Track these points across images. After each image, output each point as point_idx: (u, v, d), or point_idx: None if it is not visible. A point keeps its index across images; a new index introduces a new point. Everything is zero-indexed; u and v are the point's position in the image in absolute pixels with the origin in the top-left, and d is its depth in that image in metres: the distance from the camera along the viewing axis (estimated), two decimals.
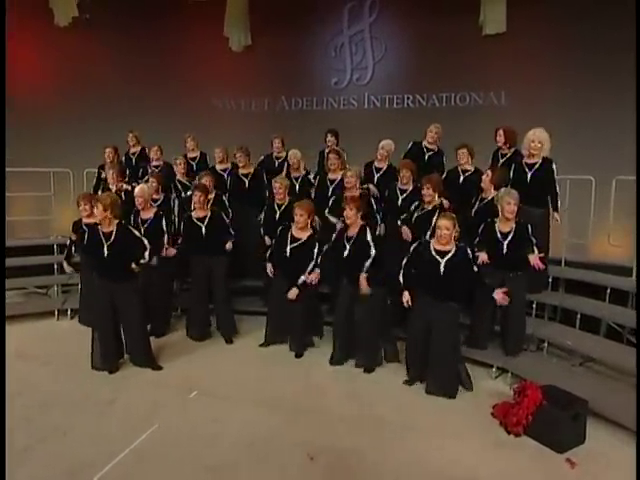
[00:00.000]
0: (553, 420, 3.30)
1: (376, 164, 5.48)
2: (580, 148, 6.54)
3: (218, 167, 5.97)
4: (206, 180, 5.22)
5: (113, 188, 5.49)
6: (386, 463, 3.19)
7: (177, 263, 5.43)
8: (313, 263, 4.58)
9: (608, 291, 4.73)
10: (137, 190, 4.90)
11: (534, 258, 4.11)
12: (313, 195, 5.45)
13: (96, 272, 4.30)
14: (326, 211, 5.09)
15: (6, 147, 6.24)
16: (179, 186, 5.80)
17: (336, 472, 3.12)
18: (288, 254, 4.60)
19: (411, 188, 4.94)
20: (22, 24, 7.91)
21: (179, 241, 5.03)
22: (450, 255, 3.85)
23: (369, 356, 4.44)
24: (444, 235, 3.82)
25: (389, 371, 4.42)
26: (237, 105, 8.56)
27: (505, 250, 4.22)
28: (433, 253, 3.89)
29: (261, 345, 4.98)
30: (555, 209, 4.78)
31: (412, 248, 4.10)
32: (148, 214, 4.93)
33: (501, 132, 5.12)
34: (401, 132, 6.09)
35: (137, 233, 4.35)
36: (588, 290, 4.92)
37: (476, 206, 4.78)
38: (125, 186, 5.57)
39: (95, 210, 4.17)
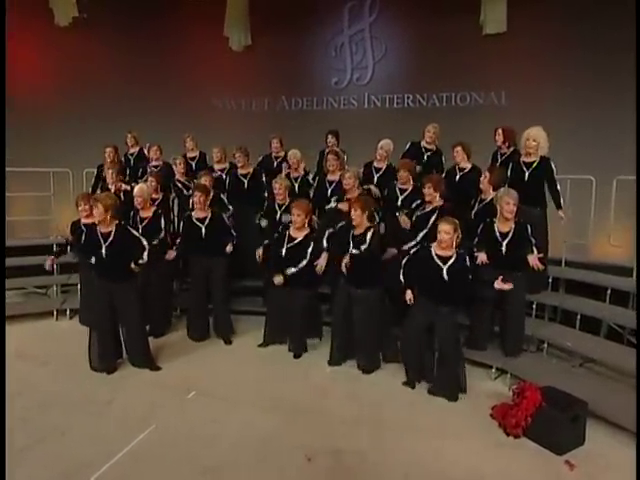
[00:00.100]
0: (552, 422, 3.28)
1: (375, 164, 5.46)
2: (580, 148, 6.53)
3: (216, 167, 5.96)
4: (205, 180, 5.22)
5: (112, 188, 5.49)
6: (386, 464, 3.18)
7: (177, 263, 5.46)
8: (305, 261, 4.56)
9: (608, 292, 4.71)
10: (137, 190, 4.89)
11: (533, 258, 4.09)
12: (312, 195, 5.43)
13: (95, 272, 4.30)
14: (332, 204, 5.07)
15: (6, 147, 6.24)
16: (179, 185, 5.79)
17: (336, 473, 3.11)
18: (284, 254, 4.59)
19: (411, 188, 4.92)
20: (22, 24, 7.91)
21: (178, 241, 5.02)
22: (452, 261, 3.83)
23: (368, 357, 4.42)
24: (444, 239, 3.80)
25: (388, 372, 4.40)
26: (237, 105, 8.56)
27: (504, 250, 4.20)
28: (435, 259, 3.86)
29: (260, 345, 4.97)
30: (559, 207, 4.74)
31: (413, 251, 4.07)
32: (147, 213, 4.94)
33: (500, 131, 5.11)
34: (401, 132, 6.07)
35: (136, 233, 4.35)
36: (588, 291, 4.90)
37: (476, 207, 4.76)
38: (124, 186, 5.56)
39: (95, 210, 4.16)
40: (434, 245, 3.91)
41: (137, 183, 5.37)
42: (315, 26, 8.07)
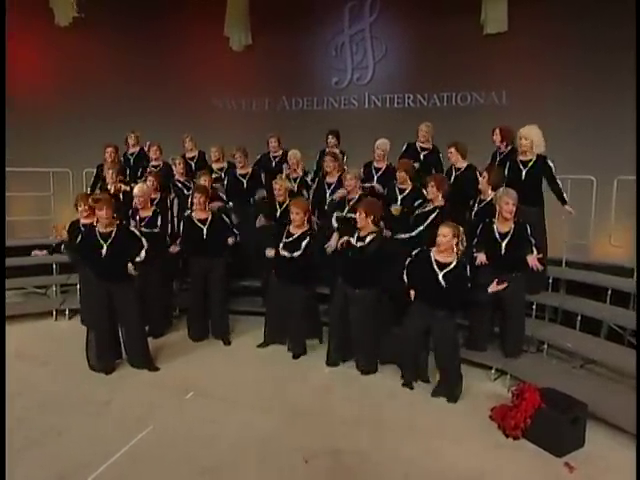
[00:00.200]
0: (552, 423, 3.27)
1: (375, 164, 5.46)
2: (581, 147, 6.51)
3: (215, 166, 5.96)
4: (204, 179, 5.21)
5: (112, 188, 5.48)
6: (386, 464, 3.17)
7: (176, 263, 5.46)
8: (298, 252, 4.53)
9: (609, 292, 4.70)
10: (137, 189, 4.88)
11: (532, 259, 4.07)
12: (311, 197, 5.41)
13: (94, 272, 4.28)
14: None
15: (6, 147, 6.24)
16: (178, 185, 5.78)
17: (336, 474, 3.11)
18: (281, 248, 4.60)
19: (410, 187, 4.91)
20: (22, 24, 7.91)
21: (178, 241, 5.01)
22: (450, 268, 3.79)
23: (366, 358, 4.41)
24: (442, 243, 3.77)
25: (387, 372, 4.38)
26: (237, 105, 8.55)
27: (504, 251, 4.18)
28: (433, 264, 3.84)
29: (259, 345, 4.96)
30: (564, 202, 4.70)
31: (414, 252, 4.06)
32: (147, 213, 4.94)
33: (497, 131, 5.10)
34: (402, 132, 6.05)
35: (137, 232, 4.37)
36: (589, 291, 4.88)
37: (475, 207, 4.75)
38: (124, 187, 5.55)
39: (102, 212, 4.14)
40: (434, 249, 3.88)
41: (136, 183, 5.36)
42: (315, 26, 8.05)
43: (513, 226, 4.19)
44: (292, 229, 4.63)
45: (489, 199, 4.54)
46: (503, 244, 4.18)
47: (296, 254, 4.53)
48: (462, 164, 5.06)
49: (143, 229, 4.72)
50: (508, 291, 4.24)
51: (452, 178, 5.06)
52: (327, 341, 4.66)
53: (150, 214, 4.93)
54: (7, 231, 6.56)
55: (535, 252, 4.11)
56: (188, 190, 5.53)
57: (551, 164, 4.67)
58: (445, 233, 3.76)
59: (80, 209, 4.99)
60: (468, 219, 4.69)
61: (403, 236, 4.64)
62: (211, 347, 5.00)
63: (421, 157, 5.45)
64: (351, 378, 4.36)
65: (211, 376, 4.35)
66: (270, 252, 4.68)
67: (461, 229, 3.82)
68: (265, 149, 6.19)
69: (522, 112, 6.87)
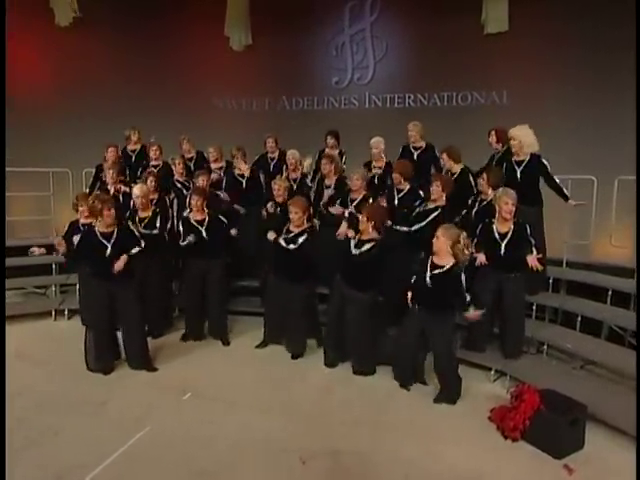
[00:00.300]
0: (551, 425, 3.25)
1: (374, 164, 5.45)
2: (582, 147, 6.49)
3: (213, 166, 5.95)
4: (203, 179, 5.20)
5: (111, 189, 5.47)
6: (385, 465, 3.16)
7: (176, 263, 5.45)
8: (294, 246, 4.51)
9: (610, 293, 4.67)
10: (138, 190, 4.85)
11: (532, 259, 4.04)
12: (312, 198, 5.39)
13: (95, 273, 4.27)
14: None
15: (6, 147, 6.24)
16: (178, 185, 5.77)
17: (335, 475, 3.10)
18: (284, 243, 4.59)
19: (407, 188, 4.89)
20: (22, 24, 7.90)
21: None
22: (441, 270, 3.77)
23: (362, 359, 4.39)
24: (434, 243, 3.77)
25: (386, 373, 4.34)
26: (238, 105, 8.53)
27: (503, 251, 4.16)
28: (427, 265, 3.84)
29: (258, 346, 4.95)
30: (566, 198, 4.67)
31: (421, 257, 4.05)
32: (147, 213, 4.94)
33: (493, 133, 5.09)
34: (402, 132, 5.97)
35: (137, 232, 4.40)
36: (589, 292, 4.86)
37: (476, 207, 4.72)
38: (124, 188, 5.54)
39: (109, 211, 4.15)
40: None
41: (136, 184, 5.35)
42: (316, 26, 8.02)
43: (512, 226, 4.16)
44: (292, 227, 4.63)
45: (489, 199, 4.52)
46: (503, 244, 4.16)
47: (291, 246, 4.51)
48: (457, 169, 5.00)
49: (142, 230, 4.71)
50: (508, 292, 4.24)
51: None
52: (324, 341, 4.65)
53: (150, 214, 4.93)
54: (7, 231, 6.56)
55: (535, 252, 4.08)
56: (187, 190, 5.53)
57: (546, 162, 4.64)
58: (438, 235, 3.76)
59: (81, 209, 4.98)
60: (466, 216, 4.66)
61: (403, 228, 4.63)
62: (210, 347, 4.99)
63: (415, 157, 5.41)
64: (350, 379, 4.34)
65: (210, 376, 4.34)
66: (271, 235, 4.64)
67: (463, 235, 3.75)
68: (264, 149, 6.17)
69: (523, 112, 6.83)
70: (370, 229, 4.15)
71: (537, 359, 4.48)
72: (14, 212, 7.34)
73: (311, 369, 4.52)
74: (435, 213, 4.46)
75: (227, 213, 5.24)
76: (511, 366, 4.24)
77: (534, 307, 4.79)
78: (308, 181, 5.68)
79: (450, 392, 3.93)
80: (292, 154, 5.59)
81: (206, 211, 4.90)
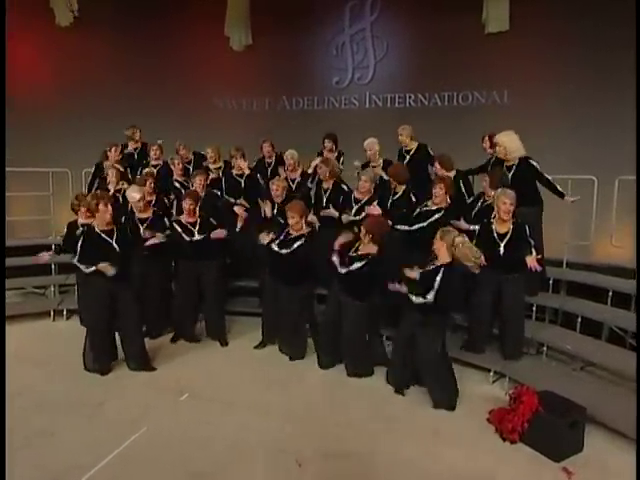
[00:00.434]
0: (550, 427, 3.22)
1: (373, 164, 5.42)
2: (582, 146, 6.46)
3: (212, 166, 5.93)
4: (200, 179, 5.20)
5: (111, 188, 5.45)
6: (382, 468, 3.15)
7: (176, 264, 5.43)
8: (287, 251, 4.47)
9: (610, 294, 4.63)
10: (137, 194, 4.84)
11: (531, 260, 4.01)
12: (313, 200, 5.37)
13: (97, 273, 4.22)
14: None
15: (6, 147, 6.24)
16: (177, 185, 5.75)
17: (332, 477, 3.08)
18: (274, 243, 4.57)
19: (401, 192, 4.88)
20: (22, 24, 7.93)
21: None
22: None
23: (356, 363, 4.36)
24: (434, 245, 3.76)
25: (382, 375, 4.30)
26: (238, 105, 8.52)
27: (502, 251, 4.13)
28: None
29: (257, 347, 4.94)
30: (562, 195, 4.65)
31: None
32: (147, 214, 4.95)
33: (486, 138, 5.09)
34: None
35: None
36: (590, 292, 4.82)
37: (477, 207, 4.71)
38: (126, 186, 5.52)
39: (106, 207, 4.15)
40: None
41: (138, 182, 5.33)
42: (316, 25, 8.01)
43: (512, 227, 4.14)
44: (290, 231, 4.60)
45: (491, 201, 4.49)
46: (502, 245, 4.13)
47: (284, 251, 4.48)
48: (449, 175, 4.96)
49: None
50: (507, 293, 4.21)
51: None
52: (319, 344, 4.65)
53: (150, 214, 4.95)
54: (7, 231, 6.55)
55: (534, 253, 4.06)
56: (186, 190, 5.50)
57: (534, 163, 4.61)
58: (437, 237, 3.76)
59: (83, 210, 4.96)
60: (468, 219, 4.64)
61: (403, 227, 4.62)
62: (208, 348, 4.97)
63: (407, 159, 5.39)
64: (348, 380, 4.32)
65: (207, 377, 4.33)
66: (264, 237, 4.60)
67: (454, 234, 3.72)
68: (260, 154, 6.13)
69: (523, 111, 6.84)
70: (368, 242, 4.12)
71: (537, 360, 4.45)
72: (14, 212, 7.35)
73: (309, 370, 4.50)
74: (438, 215, 4.44)
75: (224, 213, 5.23)
76: (510, 367, 4.21)
77: (534, 308, 4.76)
78: (309, 182, 5.64)
79: (441, 396, 3.85)
80: (291, 154, 5.56)
81: (197, 214, 4.89)
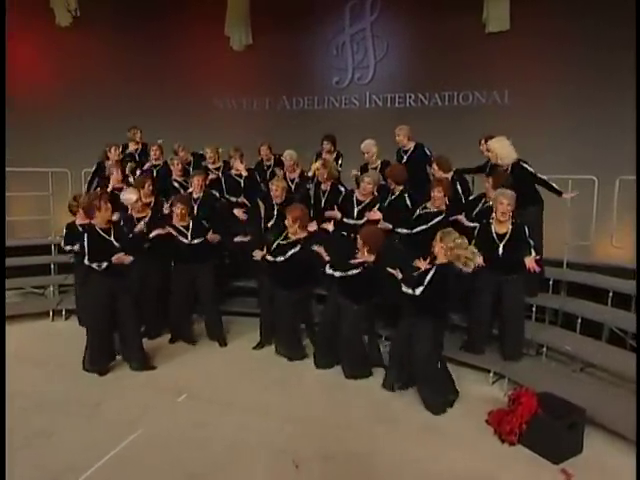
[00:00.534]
0: (548, 429, 3.20)
1: (371, 166, 5.40)
2: (583, 146, 6.44)
3: (211, 166, 5.92)
4: (198, 179, 5.19)
5: (110, 185, 5.45)
6: (380, 469, 3.13)
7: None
8: (282, 258, 4.46)
9: (610, 294, 4.61)
10: (133, 195, 4.84)
11: (530, 261, 4.00)
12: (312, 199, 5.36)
13: (100, 273, 4.20)
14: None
15: (6, 147, 6.24)
16: (175, 185, 5.74)
17: (330, 478, 3.06)
18: (273, 248, 4.55)
19: (398, 192, 4.87)
20: (22, 24, 7.93)
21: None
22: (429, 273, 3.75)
23: (353, 365, 4.34)
24: (433, 246, 3.76)
25: (381, 377, 4.27)
26: (238, 104, 8.51)
27: (501, 252, 4.11)
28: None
29: (256, 347, 4.93)
30: (559, 193, 4.65)
31: None
32: (144, 214, 4.96)
33: (483, 141, 5.07)
34: None
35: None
36: (590, 293, 4.80)
37: (478, 208, 4.68)
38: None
39: (107, 204, 4.18)
40: None
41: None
42: (316, 25, 8.00)
43: (511, 227, 4.12)
44: (288, 234, 4.58)
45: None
46: (501, 245, 4.12)
47: (279, 259, 4.48)
48: (447, 176, 4.95)
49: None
50: (507, 293, 4.20)
51: None
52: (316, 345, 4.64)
53: (149, 212, 4.96)
54: (7, 231, 6.55)
55: (534, 254, 4.04)
56: (185, 190, 5.50)
57: (527, 166, 4.60)
58: (437, 238, 3.74)
59: (81, 211, 4.95)
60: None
61: (403, 231, 4.61)
62: (207, 348, 4.97)
63: (404, 159, 5.37)
64: (346, 381, 4.30)
65: (206, 378, 4.32)
66: (257, 254, 4.61)
67: (454, 236, 3.70)
68: (258, 156, 6.12)
69: (524, 111, 6.82)
70: (365, 252, 4.10)
71: (536, 361, 4.43)
72: (14, 212, 7.36)
73: (308, 371, 4.49)
74: (439, 217, 4.43)
75: (223, 214, 5.22)
76: (510, 368, 4.19)
77: (534, 308, 4.75)
78: (308, 183, 5.63)
79: (430, 398, 3.82)
80: (289, 154, 5.54)
81: (189, 217, 4.89)
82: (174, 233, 4.81)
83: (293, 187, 5.49)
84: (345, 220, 4.88)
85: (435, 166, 4.90)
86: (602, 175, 5.24)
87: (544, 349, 4.47)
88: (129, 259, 4.20)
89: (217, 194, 5.53)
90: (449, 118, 7.36)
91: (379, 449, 3.32)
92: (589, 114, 6.60)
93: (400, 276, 3.86)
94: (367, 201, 4.84)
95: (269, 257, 4.53)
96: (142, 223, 4.76)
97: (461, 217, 4.48)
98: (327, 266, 4.27)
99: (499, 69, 7.18)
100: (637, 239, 4.50)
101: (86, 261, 4.15)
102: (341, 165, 5.71)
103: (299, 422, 3.63)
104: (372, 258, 4.07)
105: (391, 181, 4.87)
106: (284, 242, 4.55)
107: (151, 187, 5.24)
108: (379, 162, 5.38)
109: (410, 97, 7.80)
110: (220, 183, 5.71)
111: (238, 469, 3.12)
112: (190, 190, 5.37)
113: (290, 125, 7.84)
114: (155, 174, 5.84)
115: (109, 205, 4.20)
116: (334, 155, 5.75)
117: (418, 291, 3.70)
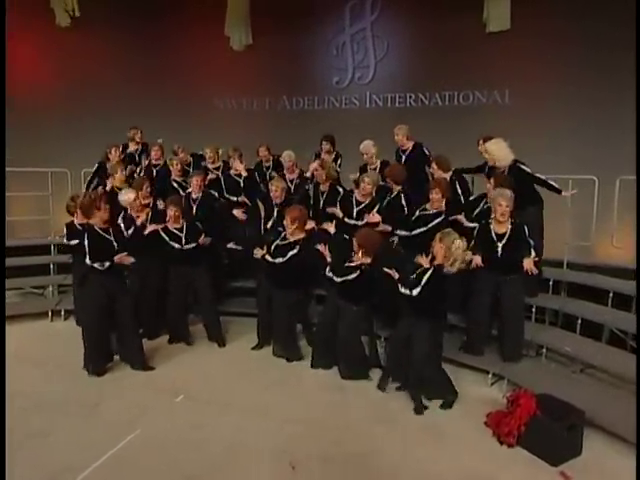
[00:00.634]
0: (547, 431, 3.18)
1: (370, 167, 5.39)
2: (583, 146, 6.43)
3: (210, 166, 5.91)
4: (196, 179, 5.18)
5: (108, 185, 5.44)
6: (378, 470, 3.13)
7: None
8: (282, 259, 4.46)
9: (611, 295, 4.60)
10: (131, 194, 4.84)
11: (528, 262, 3.98)
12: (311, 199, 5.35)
13: (99, 273, 4.19)
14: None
15: (6, 147, 6.24)
16: (175, 185, 5.73)
17: (329, 479, 3.06)
18: (272, 249, 4.54)
19: (396, 192, 4.86)
20: (22, 24, 7.95)
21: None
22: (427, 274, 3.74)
23: (350, 366, 4.33)
24: (433, 247, 3.76)
25: (378, 378, 4.27)
26: (238, 105, 8.52)
27: (500, 252, 4.10)
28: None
29: (254, 347, 4.92)
30: (558, 191, 4.62)
31: None
32: (142, 214, 4.94)
33: (481, 142, 5.04)
34: None
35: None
36: (590, 294, 4.78)
37: (479, 208, 4.67)
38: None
39: (107, 205, 4.19)
40: None
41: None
42: (316, 25, 8.00)
43: (510, 227, 4.11)
44: (288, 234, 4.57)
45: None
46: (500, 245, 4.10)
47: (278, 260, 4.47)
48: (446, 176, 4.94)
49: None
50: (506, 294, 4.18)
51: None
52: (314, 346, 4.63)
53: (148, 211, 4.96)
54: (7, 231, 6.56)
55: (533, 254, 4.03)
56: (184, 190, 5.50)
57: (524, 167, 4.58)
58: (437, 239, 3.74)
59: (79, 211, 4.94)
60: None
61: (402, 233, 4.60)
62: (205, 349, 4.96)
63: (403, 159, 5.36)
64: (345, 382, 4.29)
65: (204, 378, 4.32)
66: (258, 252, 4.61)
67: (453, 237, 3.70)
68: (257, 158, 6.11)
69: (524, 111, 6.81)
70: (361, 254, 4.09)
71: (536, 362, 4.41)
72: (14, 212, 7.36)
73: (307, 371, 4.48)
74: (438, 219, 4.41)
75: (222, 214, 5.21)
76: (509, 369, 4.18)
77: (534, 309, 4.73)
78: (307, 184, 5.62)
79: (417, 396, 3.83)
80: (288, 155, 5.53)
81: (183, 219, 4.87)
82: (166, 238, 4.80)
83: (292, 188, 5.48)
84: (346, 220, 4.86)
85: (434, 165, 4.89)
86: (602, 175, 5.22)
87: (544, 350, 4.45)
88: (130, 260, 4.20)
89: (216, 194, 5.52)
90: (449, 118, 7.35)
91: (378, 450, 3.31)
92: (589, 114, 6.59)
93: (397, 276, 3.85)
94: (366, 202, 4.83)
95: (269, 257, 4.53)
96: (142, 218, 4.79)
97: (461, 217, 4.47)
98: (327, 269, 4.25)
99: (499, 69, 7.17)
100: (637, 239, 4.49)
101: (87, 261, 4.12)
102: (340, 165, 5.70)
103: (298, 423, 3.62)
104: (369, 260, 4.06)
105: (390, 181, 4.87)
106: (282, 243, 4.54)
107: (149, 189, 5.23)
108: (378, 162, 5.37)
109: (410, 97, 7.80)
110: (220, 183, 5.70)
111: (236, 470, 3.11)
112: (189, 190, 5.37)
113: (290, 125, 7.85)
114: (155, 174, 5.83)
115: (107, 206, 4.21)
116: (333, 155, 5.73)
117: (415, 292, 3.69)
